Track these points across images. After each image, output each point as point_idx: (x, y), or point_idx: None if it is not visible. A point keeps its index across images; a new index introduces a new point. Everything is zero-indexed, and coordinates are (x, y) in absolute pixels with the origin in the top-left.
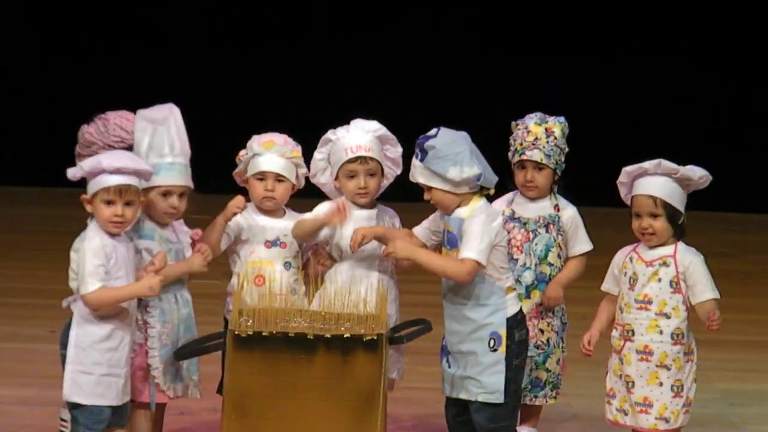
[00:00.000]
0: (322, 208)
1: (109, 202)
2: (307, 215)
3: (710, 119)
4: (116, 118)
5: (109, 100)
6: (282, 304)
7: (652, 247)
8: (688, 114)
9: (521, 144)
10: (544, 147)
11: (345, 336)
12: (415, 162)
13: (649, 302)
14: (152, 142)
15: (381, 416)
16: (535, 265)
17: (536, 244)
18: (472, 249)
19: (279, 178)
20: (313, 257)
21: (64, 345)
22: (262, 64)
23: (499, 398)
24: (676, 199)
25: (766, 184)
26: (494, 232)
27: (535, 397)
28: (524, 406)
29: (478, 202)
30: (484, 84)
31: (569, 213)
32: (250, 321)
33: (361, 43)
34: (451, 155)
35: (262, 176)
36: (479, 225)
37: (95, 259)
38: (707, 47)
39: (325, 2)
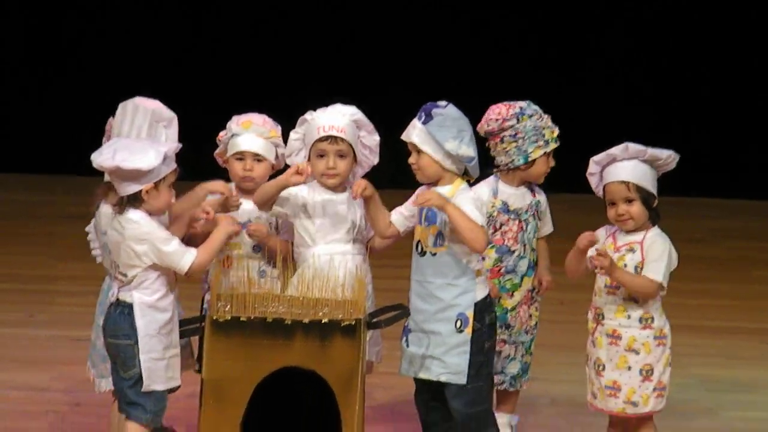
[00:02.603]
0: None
1: (170, 186)
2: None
3: (686, 104)
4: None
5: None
6: (250, 284)
7: (628, 232)
8: (664, 98)
9: (553, 131)
10: None
11: (323, 321)
12: (416, 123)
13: (617, 287)
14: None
15: (359, 401)
16: (529, 253)
17: (529, 233)
18: (478, 219)
19: (257, 157)
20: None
21: (118, 335)
22: (248, 55)
23: (461, 379)
24: (648, 181)
25: (742, 170)
26: (483, 211)
27: (524, 381)
28: (500, 391)
29: (462, 184)
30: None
31: (543, 197)
32: (228, 306)
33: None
34: (456, 129)
35: (241, 156)
36: (470, 203)
37: (170, 237)
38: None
39: None
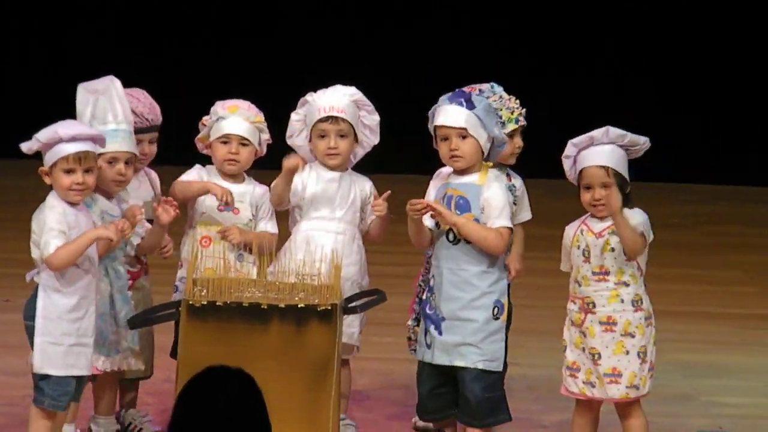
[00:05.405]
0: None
1: (68, 171)
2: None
3: (662, 88)
4: (128, 96)
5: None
6: (228, 270)
7: (602, 218)
8: (639, 82)
9: (513, 111)
10: None
11: (299, 306)
12: (458, 109)
13: (607, 273)
14: (95, 111)
15: (335, 386)
16: None
17: None
18: (505, 217)
19: (243, 141)
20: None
21: (29, 317)
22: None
23: (498, 366)
24: (624, 167)
25: (719, 154)
26: (510, 199)
27: None
28: None
29: (489, 170)
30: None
31: (520, 181)
32: (204, 291)
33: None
34: (495, 116)
35: (226, 139)
36: (502, 193)
37: (57, 225)
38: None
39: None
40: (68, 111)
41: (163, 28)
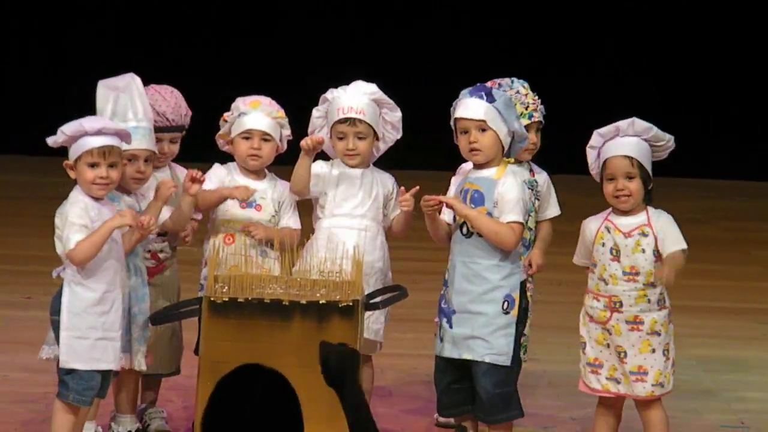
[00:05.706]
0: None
1: (93, 165)
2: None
3: (662, 88)
4: (154, 93)
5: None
6: (250, 266)
7: (624, 214)
8: (639, 82)
9: (527, 107)
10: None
11: (320, 302)
12: (478, 102)
13: (637, 273)
14: (115, 108)
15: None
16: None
17: None
18: (517, 212)
19: (265, 137)
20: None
21: (55, 312)
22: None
23: (506, 361)
24: (648, 162)
25: (737, 150)
26: (526, 195)
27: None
28: None
29: (507, 166)
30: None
31: (544, 176)
32: (226, 287)
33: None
34: (515, 110)
35: (248, 135)
36: (516, 188)
37: (78, 219)
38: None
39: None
40: (68, 111)
41: (163, 28)
